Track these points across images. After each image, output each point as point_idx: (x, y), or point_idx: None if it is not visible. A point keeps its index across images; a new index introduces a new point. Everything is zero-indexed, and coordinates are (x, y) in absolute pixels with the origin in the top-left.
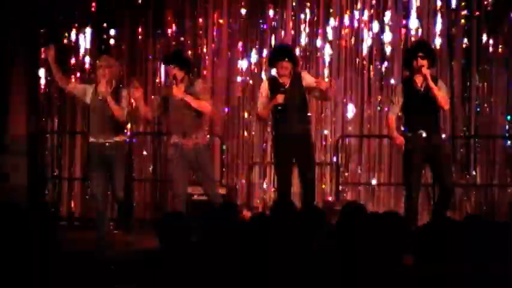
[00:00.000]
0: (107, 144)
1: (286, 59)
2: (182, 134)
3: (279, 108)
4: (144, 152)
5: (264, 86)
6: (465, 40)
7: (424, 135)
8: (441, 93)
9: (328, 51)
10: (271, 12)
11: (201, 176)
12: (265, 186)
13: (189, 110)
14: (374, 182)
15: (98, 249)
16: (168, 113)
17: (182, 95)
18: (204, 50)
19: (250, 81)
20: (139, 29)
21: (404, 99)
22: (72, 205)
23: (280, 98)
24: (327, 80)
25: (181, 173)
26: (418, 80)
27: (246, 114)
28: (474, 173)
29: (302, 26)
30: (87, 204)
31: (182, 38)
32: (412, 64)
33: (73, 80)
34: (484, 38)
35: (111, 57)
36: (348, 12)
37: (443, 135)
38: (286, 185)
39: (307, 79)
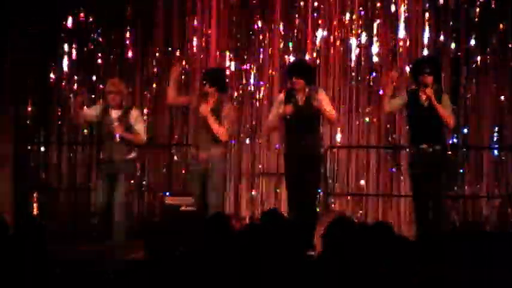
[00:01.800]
0: (115, 161)
1: (296, 76)
2: (199, 147)
3: (288, 119)
4: None
5: (280, 96)
6: (453, 51)
7: (425, 149)
8: (446, 112)
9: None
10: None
11: (209, 184)
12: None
13: (209, 127)
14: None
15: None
16: (192, 122)
17: (206, 114)
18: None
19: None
20: (128, 43)
21: (408, 111)
22: (59, 217)
23: (288, 109)
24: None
25: (198, 187)
26: (423, 94)
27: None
28: (462, 184)
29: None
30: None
31: (170, 48)
32: (418, 78)
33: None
34: (472, 49)
35: (118, 81)
36: (336, 23)
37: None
38: (295, 194)
39: (319, 99)
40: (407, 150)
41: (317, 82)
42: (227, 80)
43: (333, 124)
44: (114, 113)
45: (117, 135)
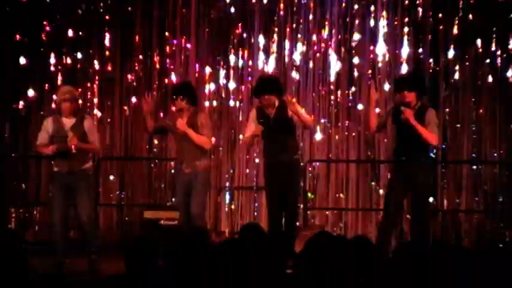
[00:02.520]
0: (72, 172)
1: (268, 93)
2: (183, 162)
3: (264, 132)
4: (111, 177)
5: (252, 114)
6: (432, 65)
7: (405, 163)
8: (427, 131)
9: (295, 76)
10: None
11: (192, 196)
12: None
13: (190, 141)
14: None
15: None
16: (173, 139)
17: (184, 129)
18: (172, 76)
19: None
20: (107, 52)
21: (393, 126)
22: (37, 230)
23: (257, 130)
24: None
25: (182, 200)
26: (404, 115)
27: (213, 139)
28: (441, 198)
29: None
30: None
31: (149, 61)
32: (399, 96)
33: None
34: (451, 63)
35: (72, 88)
36: (315, 37)
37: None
38: (276, 208)
39: (291, 107)
40: (390, 163)
41: (297, 96)
42: (195, 91)
43: (309, 127)
44: (68, 122)
45: (73, 147)
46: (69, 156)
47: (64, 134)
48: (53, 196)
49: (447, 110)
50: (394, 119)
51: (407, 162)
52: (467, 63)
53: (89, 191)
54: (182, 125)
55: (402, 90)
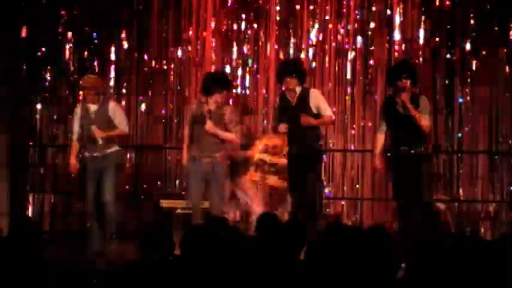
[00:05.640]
0: (100, 156)
1: (290, 75)
2: (202, 151)
3: (286, 119)
4: (127, 165)
5: (276, 100)
6: (448, 55)
7: (405, 151)
8: (422, 117)
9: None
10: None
11: (213, 187)
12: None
13: (213, 135)
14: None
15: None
16: (193, 127)
17: (214, 131)
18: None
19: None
20: (124, 44)
21: (386, 118)
22: (54, 220)
23: (282, 128)
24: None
25: (197, 184)
26: (400, 99)
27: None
28: (457, 188)
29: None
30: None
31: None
32: (395, 84)
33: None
34: (468, 53)
35: (93, 76)
36: (331, 26)
37: (426, 150)
38: (296, 195)
39: (314, 100)
40: (388, 154)
41: (312, 85)
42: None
43: (328, 125)
44: (93, 109)
45: (99, 138)
46: (94, 144)
47: (90, 120)
48: (86, 184)
49: (463, 99)
50: (387, 111)
51: (407, 151)
52: (483, 53)
53: (114, 173)
54: (212, 128)
55: (400, 78)
